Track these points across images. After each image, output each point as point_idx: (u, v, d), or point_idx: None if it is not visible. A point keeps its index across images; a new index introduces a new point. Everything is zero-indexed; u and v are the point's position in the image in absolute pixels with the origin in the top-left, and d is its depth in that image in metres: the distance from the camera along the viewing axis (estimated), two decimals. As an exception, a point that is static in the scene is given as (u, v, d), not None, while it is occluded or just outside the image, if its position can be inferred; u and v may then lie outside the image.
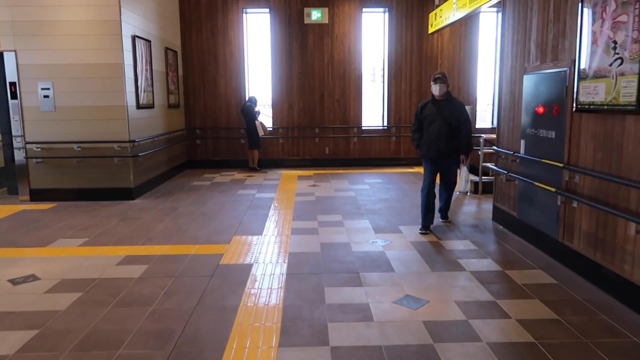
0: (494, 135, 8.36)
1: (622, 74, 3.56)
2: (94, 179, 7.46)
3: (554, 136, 4.59)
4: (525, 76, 5.16)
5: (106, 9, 7.13)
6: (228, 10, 10.64)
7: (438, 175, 5.79)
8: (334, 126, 11.04)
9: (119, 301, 3.75)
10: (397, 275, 4.26)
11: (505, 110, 5.76)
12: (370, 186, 8.57)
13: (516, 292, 3.87)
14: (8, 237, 5.59)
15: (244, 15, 10.76)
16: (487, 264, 4.52)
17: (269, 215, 6.52)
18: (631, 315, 3.43)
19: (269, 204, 7.18)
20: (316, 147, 11.10)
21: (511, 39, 5.58)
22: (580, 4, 4.08)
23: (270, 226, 5.96)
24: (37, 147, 7.34)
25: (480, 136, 8.05)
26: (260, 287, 4.02)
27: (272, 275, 4.27)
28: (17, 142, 7.38)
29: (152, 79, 8.50)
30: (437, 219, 6.06)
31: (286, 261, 4.64)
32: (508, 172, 5.46)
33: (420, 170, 10.38)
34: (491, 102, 11.42)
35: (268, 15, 10.71)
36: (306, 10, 10.60)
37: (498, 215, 5.98)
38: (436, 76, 5.46)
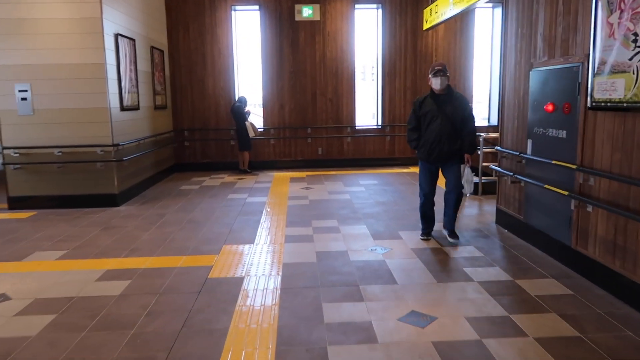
0: (493, 134, 8.08)
1: (644, 68, 3.27)
2: (76, 185, 7.08)
3: (565, 136, 4.30)
4: (531, 72, 4.87)
5: (87, 5, 6.74)
6: (216, 7, 10.27)
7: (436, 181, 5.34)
8: (326, 126, 10.71)
9: (96, 324, 3.40)
10: (400, 287, 3.94)
11: (509, 108, 5.47)
12: (365, 188, 8.26)
13: (530, 305, 3.57)
14: (-19, 250, 5.21)
15: (233, 12, 10.40)
16: (496, 273, 4.22)
17: (261, 221, 6.19)
18: (658, 331, 3.15)
19: (261, 209, 6.84)
20: (309, 148, 10.77)
21: (515, 33, 5.29)
22: (593, -6, 3.79)
23: (263, 233, 5.62)
24: (15, 153, 6.94)
25: (480, 135, 7.76)
26: (252, 304, 3.69)
27: (265, 290, 3.93)
28: (-7, 148, 6.99)
29: (137, 79, 8.12)
30: (438, 229, 5.76)
31: (280, 273, 4.31)
32: (514, 174, 5.17)
33: (416, 170, 10.10)
34: (486, 100, 11.16)
35: (258, 12, 10.37)
36: (297, 7, 10.27)
37: (502, 218, 5.69)
38: (436, 68, 4.85)
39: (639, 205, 3.40)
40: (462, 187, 5.07)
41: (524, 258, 4.60)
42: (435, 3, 9.05)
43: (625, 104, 3.46)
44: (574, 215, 4.19)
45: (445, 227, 5.21)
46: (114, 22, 7.21)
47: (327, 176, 9.61)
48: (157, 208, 7.04)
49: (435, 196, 5.30)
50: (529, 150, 4.95)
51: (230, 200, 7.47)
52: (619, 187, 3.62)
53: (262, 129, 10.60)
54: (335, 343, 3.06)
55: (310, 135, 10.69)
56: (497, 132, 7.20)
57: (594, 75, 3.85)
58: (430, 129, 4.92)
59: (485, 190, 7.39)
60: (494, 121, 10.38)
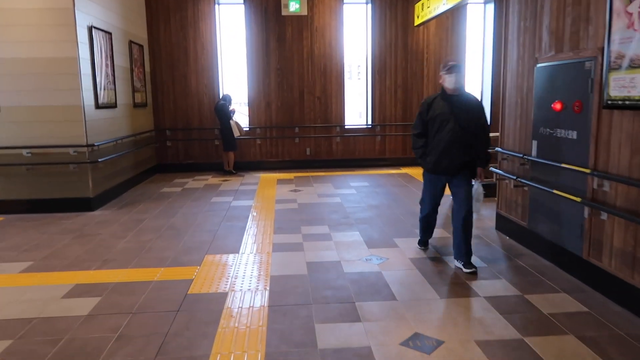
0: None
1: (672, 63, 2.95)
2: (47, 189, 6.60)
3: (575, 137, 3.98)
4: (536, 68, 4.54)
5: (57, -5, 6.27)
6: (199, 1, 9.81)
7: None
8: (315, 125, 10.33)
9: (58, 352, 2.98)
10: (400, 304, 3.58)
11: (511, 107, 5.15)
12: (356, 190, 7.90)
13: (544, 325, 3.24)
14: (-64, 262, 4.73)
15: (216, 6, 9.95)
16: (502, 287, 3.88)
17: (247, 227, 5.79)
18: (690, 356, 2.83)
19: (247, 214, 6.44)
20: (296, 148, 10.38)
21: (517, 26, 4.97)
22: (610, -18, 3.47)
23: (248, 241, 5.23)
24: (-20, 154, 6.45)
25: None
26: (237, 325, 3.29)
27: (251, 309, 3.54)
28: (-44, 148, 6.47)
29: (113, 75, 7.64)
30: (442, 238, 5.41)
31: (268, 288, 3.92)
32: (517, 177, 4.84)
33: (408, 171, 9.77)
34: (478, 98, 10.87)
35: (242, 6, 9.93)
36: (283, 0, 9.85)
37: (503, 224, 5.37)
38: (451, 64, 4.15)
39: (664, 215, 3.08)
40: (471, 207, 4.27)
41: (531, 269, 4.27)
42: (427, -3, 8.72)
43: (649, 103, 3.14)
44: (586, 224, 3.87)
45: (457, 258, 4.30)
46: (87, 14, 6.73)
47: (315, 177, 9.23)
48: (136, 213, 6.59)
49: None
50: (533, 152, 4.63)
51: (214, 204, 7.05)
52: (638, 193, 3.30)
53: (247, 128, 10.18)
54: (331, 374, 2.69)
55: (298, 134, 10.30)
56: (491, 132, 6.89)
57: (609, 71, 3.53)
58: (439, 136, 4.17)
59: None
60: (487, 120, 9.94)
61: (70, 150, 6.53)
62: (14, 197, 6.56)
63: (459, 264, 4.27)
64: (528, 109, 4.78)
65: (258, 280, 4.10)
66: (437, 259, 4.57)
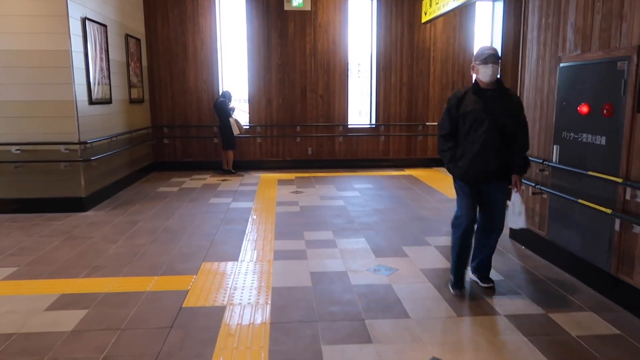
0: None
1: None
2: (37, 188, 6.28)
3: (604, 142, 3.68)
4: (560, 68, 4.24)
5: (49, -16, 5.95)
6: (199, -6, 9.48)
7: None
8: (317, 124, 10.02)
9: (36, 376, 2.68)
10: (414, 323, 3.29)
11: (529, 109, 4.84)
12: (360, 193, 7.60)
13: (574, 350, 2.94)
14: None
15: (217, 0, 9.61)
16: (523, 304, 3.59)
17: (246, 232, 5.48)
18: None
19: (246, 217, 6.13)
20: (298, 147, 10.07)
21: (537, 23, 4.66)
22: (650, -26, 3.17)
23: (248, 247, 4.92)
24: (-34, 150, 6.13)
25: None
26: (235, 345, 2.99)
27: (251, 326, 3.24)
28: (-59, 144, 6.15)
29: (108, 69, 7.32)
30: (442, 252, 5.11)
31: (269, 302, 3.62)
32: (535, 185, 4.55)
33: (412, 173, 9.47)
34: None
35: (244, 0, 9.60)
36: (286, -5, 9.53)
37: (518, 232, 5.07)
38: (487, 53, 3.48)
39: None
40: (503, 223, 3.75)
41: (552, 283, 3.97)
42: (436, -7, 8.40)
43: (695, 107, 2.85)
44: (616, 237, 3.58)
45: (475, 272, 3.92)
46: (81, 5, 6.40)
47: (317, 178, 8.92)
48: (130, 214, 6.27)
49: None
50: (554, 158, 4.33)
51: (212, 206, 6.74)
52: (679, 206, 3.01)
53: (247, 127, 9.86)
54: (342, 408, 2.39)
55: (300, 133, 9.98)
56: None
57: (646, 72, 3.23)
58: (471, 137, 3.55)
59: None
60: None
61: (62, 148, 6.22)
62: (1, 196, 6.25)
63: (475, 278, 3.94)
64: (549, 111, 4.48)
65: (259, 292, 3.80)
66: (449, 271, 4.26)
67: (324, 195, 7.39)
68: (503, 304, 3.57)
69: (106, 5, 7.34)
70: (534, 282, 4.01)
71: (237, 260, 4.55)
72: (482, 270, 3.88)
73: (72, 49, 6.13)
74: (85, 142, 6.34)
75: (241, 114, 10.25)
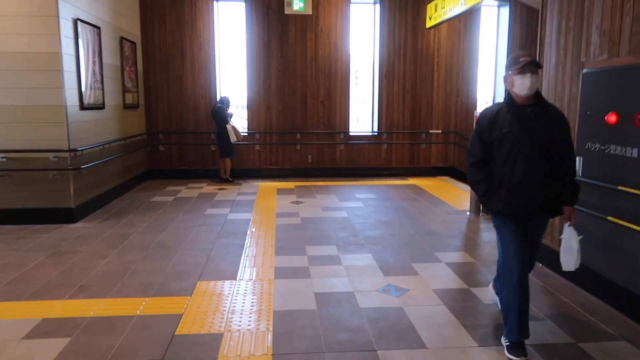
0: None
1: None
2: (24, 198, 5.94)
3: (636, 155, 3.38)
4: (583, 74, 3.96)
5: (39, -16, 5.65)
6: (197, -4, 9.20)
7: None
8: (317, 131, 9.71)
9: (5, 422, 2.34)
10: (431, 354, 2.97)
11: (547, 118, 4.55)
12: (363, 203, 7.29)
13: (613, 388, 2.63)
14: None
15: (215, 3, 9.33)
16: (549, 331, 3.27)
17: (245, 246, 5.16)
18: None
19: (245, 229, 5.81)
20: (297, 155, 9.75)
21: (557, 26, 4.38)
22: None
23: (247, 264, 4.60)
24: (-51, 158, 5.80)
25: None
26: (233, 382, 2.67)
27: (250, 359, 2.91)
28: None
29: (102, 73, 7.01)
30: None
31: (271, 329, 3.30)
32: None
33: (416, 182, 9.17)
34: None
35: (243, 4, 9.32)
36: (287, -2, 9.26)
37: (534, 248, 4.76)
38: (524, 60, 2.84)
39: None
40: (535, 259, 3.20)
41: (578, 308, 3.66)
42: (443, -3, 8.15)
43: None
44: (651, 258, 3.27)
45: (508, 337, 2.99)
46: (72, 5, 6.10)
47: (318, 188, 8.61)
48: (121, 226, 5.94)
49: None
50: (578, 171, 4.03)
51: (209, 217, 6.41)
52: None
53: (246, 133, 9.55)
54: None
55: (300, 141, 9.68)
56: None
57: (686, 79, 2.94)
58: (510, 164, 2.92)
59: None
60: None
61: (50, 156, 5.89)
62: (-14, 206, 5.92)
63: (506, 342, 3.00)
64: (570, 120, 4.18)
65: (259, 317, 3.47)
66: (465, 292, 3.96)
67: (325, 206, 7.08)
68: (537, 329, 3.25)
69: (100, 6, 7.04)
70: (558, 306, 3.70)
71: (235, 278, 4.23)
72: (515, 334, 2.95)
73: (63, 52, 5.82)
74: (76, 150, 6.02)
75: (240, 120, 9.93)
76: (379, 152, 9.91)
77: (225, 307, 3.64)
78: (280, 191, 8.26)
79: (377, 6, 9.63)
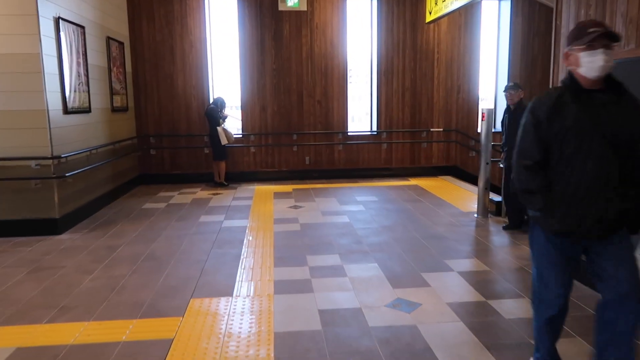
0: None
1: None
2: (4, 209, 5.58)
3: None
4: (606, 66, 3.63)
5: (16, -20, 5.28)
6: (186, -6, 8.84)
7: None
8: (315, 132, 9.38)
9: None
10: (453, 383, 2.64)
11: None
12: (364, 206, 6.96)
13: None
14: None
15: (206, 0, 8.97)
16: (581, 352, 2.95)
17: (242, 256, 4.82)
18: None
19: (241, 237, 5.47)
20: (294, 157, 9.42)
21: (575, 16, 4.06)
22: None
23: (244, 277, 4.26)
24: None
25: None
26: (231, 423, 2.33)
27: (250, 393, 2.58)
28: None
29: (87, 75, 6.64)
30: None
31: (272, 354, 2.96)
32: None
33: (418, 182, 8.84)
34: (491, 101, 10.01)
35: (235, 0, 8.96)
36: (281, -6, 8.92)
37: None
38: (596, 31, 2.20)
39: None
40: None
41: (608, 321, 3.34)
42: (443, -10, 7.82)
43: None
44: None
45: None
46: (53, 3, 5.73)
47: (317, 190, 8.27)
48: (110, 237, 5.59)
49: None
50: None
51: (203, 225, 6.07)
52: None
53: (240, 135, 9.21)
54: None
55: (296, 142, 9.34)
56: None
57: None
58: (575, 167, 2.26)
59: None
60: (500, 126, 9.16)
61: (32, 163, 5.53)
62: (-36, 218, 5.55)
63: None
64: (590, 116, 3.87)
65: (258, 340, 3.13)
66: (482, 305, 3.63)
67: (325, 210, 6.74)
68: (564, 350, 2.93)
69: (84, 4, 6.67)
70: (590, 322, 3.37)
71: (232, 295, 3.89)
72: None
73: (43, 52, 5.45)
74: (59, 157, 5.66)
75: (234, 122, 9.58)
76: (379, 152, 9.58)
77: (221, 329, 3.30)
78: (278, 195, 7.92)
79: (375, 1, 9.30)
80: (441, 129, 9.62)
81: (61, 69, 5.86)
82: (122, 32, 8.35)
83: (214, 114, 8.38)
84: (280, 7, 8.98)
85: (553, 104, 2.30)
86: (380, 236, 5.47)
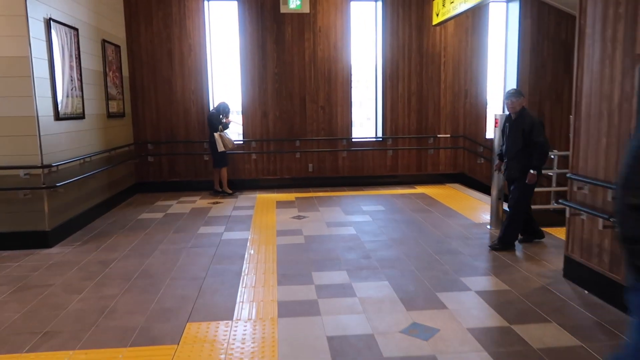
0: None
1: None
2: (-8, 221, 5.28)
3: None
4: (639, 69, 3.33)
5: (4, -21, 4.99)
6: (186, -4, 8.56)
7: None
8: (318, 138, 9.07)
9: None
10: None
11: (591, 121, 3.93)
12: (371, 217, 6.64)
13: None
14: None
15: (206, 3, 8.70)
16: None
17: (243, 274, 4.50)
18: None
19: (242, 252, 5.15)
20: (297, 164, 9.11)
21: (601, 15, 3.76)
22: None
23: (245, 298, 3.94)
24: None
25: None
26: None
27: None
28: None
29: (81, 80, 6.35)
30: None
31: (276, 392, 2.64)
32: (610, 217, 3.61)
33: (425, 191, 8.53)
34: (499, 105, 9.71)
35: (235, 3, 8.68)
36: (283, -4, 8.64)
37: (576, 272, 4.13)
38: None
39: None
40: None
41: (649, 351, 3.02)
42: (452, -9, 7.53)
43: None
44: None
45: None
46: (44, 3, 5.44)
47: (320, 199, 7.96)
48: (102, 250, 5.27)
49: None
50: None
51: (201, 237, 5.75)
52: None
53: (241, 142, 8.90)
54: None
55: (299, 148, 9.03)
56: (559, 150, 5.67)
57: None
58: None
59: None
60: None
61: (21, 173, 5.22)
62: (-51, 231, 5.24)
63: None
64: (621, 123, 3.56)
65: (261, 374, 2.81)
66: (507, 331, 3.31)
67: (330, 221, 6.43)
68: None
69: (77, 5, 6.38)
70: (614, 341, 3.05)
71: (232, 318, 3.57)
72: None
73: (33, 55, 5.16)
74: (50, 165, 5.35)
75: (236, 127, 9.26)
76: (384, 158, 9.27)
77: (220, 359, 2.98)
78: (280, 204, 7.60)
79: (379, 3, 9.02)
80: (448, 135, 9.31)
81: (52, 73, 5.56)
82: (118, 34, 8.06)
83: (213, 120, 8.08)
84: (282, 10, 8.69)
85: None
86: (390, 250, 5.15)
